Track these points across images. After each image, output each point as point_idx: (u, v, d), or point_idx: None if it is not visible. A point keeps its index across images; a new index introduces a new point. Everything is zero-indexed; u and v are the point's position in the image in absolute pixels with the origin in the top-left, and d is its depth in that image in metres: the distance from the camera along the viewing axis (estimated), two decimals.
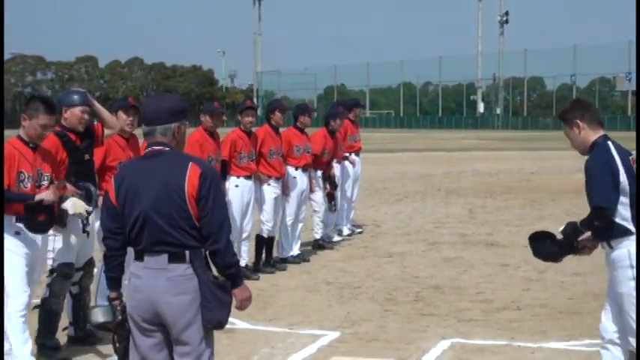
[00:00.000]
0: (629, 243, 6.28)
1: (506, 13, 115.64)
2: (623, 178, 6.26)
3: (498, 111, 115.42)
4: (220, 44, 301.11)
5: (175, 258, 5.15)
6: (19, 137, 7.51)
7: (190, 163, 5.24)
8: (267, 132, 12.49)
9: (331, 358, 8.04)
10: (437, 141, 64.67)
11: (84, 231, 8.13)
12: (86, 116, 8.29)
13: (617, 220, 6.28)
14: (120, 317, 5.39)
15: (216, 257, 5.22)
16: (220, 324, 5.24)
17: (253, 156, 12.06)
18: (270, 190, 12.43)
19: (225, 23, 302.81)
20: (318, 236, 14.39)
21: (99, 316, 5.60)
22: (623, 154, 6.41)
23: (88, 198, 7.98)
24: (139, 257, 5.25)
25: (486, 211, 20.12)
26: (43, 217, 7.41)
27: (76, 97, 8.36)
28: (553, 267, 12.51)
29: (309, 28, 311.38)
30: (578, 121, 6.52)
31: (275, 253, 13.00)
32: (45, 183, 7.53)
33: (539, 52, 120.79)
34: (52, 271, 8.13)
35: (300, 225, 13.41)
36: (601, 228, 6.35)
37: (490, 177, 29.75)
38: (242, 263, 11.93)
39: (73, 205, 7.65)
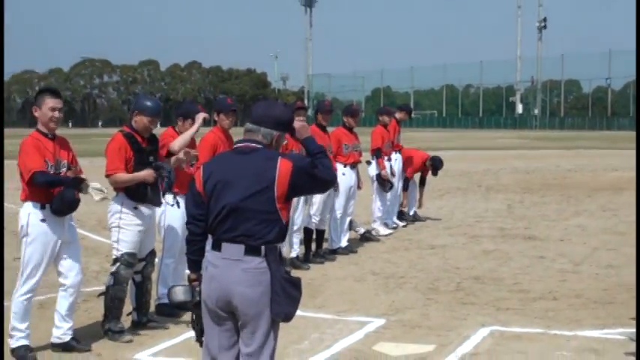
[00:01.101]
0: None
1: (544, 20, 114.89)
2: None
3: (536, 112, 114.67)
4: (273, 48, 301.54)
5: (251, 251, 5.09)
6: (38, 130, 7.61)
7: (280, 157, 5.20)
8: (315, 131, 12.49)
9: (377, 344, 8.02)
10: (477, 140, 64.36)
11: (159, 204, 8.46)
12: (152, 126, 8.33)
13: None
14: (198, 298, 5.37)
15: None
16: (288, 317, 5.17)
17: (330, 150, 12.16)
18: None
19: (277, 28, 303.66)
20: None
21: (179, 294, 5.60)
22: None
23: (161, 178, 8.16)
24: (216, 247, 5.19)
25: (524, 206, 19.99)
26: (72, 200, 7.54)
27: (148, 104, 8.33)
28: (588, 259, 12.48)
29: (358, 34, 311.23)
30: None
31: (325, 245, 13.02)
32: (64, 169, 7.65)
33: (575, 56, 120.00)
34: (116, 260, 8.22)
35: (349, 218, 13.41)
36: None
37: (528, 174, 29.55)
38: (293, 254, 11.98)
39: (93, 190, 7.69)
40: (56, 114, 7.58)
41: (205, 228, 5.29)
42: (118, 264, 8.20)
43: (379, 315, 9.14)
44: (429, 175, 17.62)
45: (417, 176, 17.31)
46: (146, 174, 8.11)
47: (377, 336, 8.31)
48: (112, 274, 8.22)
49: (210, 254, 5.25)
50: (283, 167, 5.12)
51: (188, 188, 5.59)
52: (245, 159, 5.21)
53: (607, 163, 33.14)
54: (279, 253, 5.24)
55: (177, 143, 8.80)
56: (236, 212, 5.12)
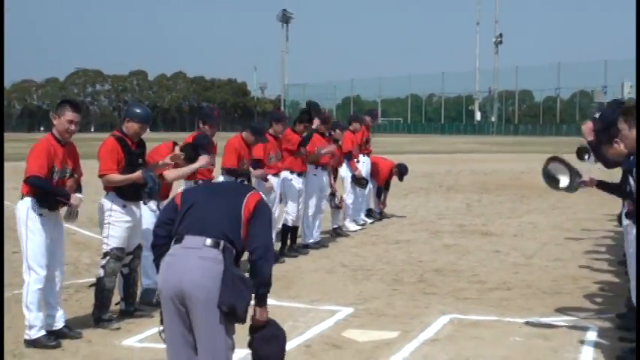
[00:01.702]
0: None
1: (500, 35, 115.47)
2: None
3: (493, 119, 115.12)
4: (253, 60, 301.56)
5: (211, 243, 4.97)
6: (52, 135, 7.61)
7: (252, 191, 5.26)
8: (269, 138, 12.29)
9: (346, 330, 8.01)
10: (439, 145, 64.49)
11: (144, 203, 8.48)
12: (142, 132, 8.35)
13: None
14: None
15: (256, 267, 5.07)
16: (234, 309, 4.87)
17: (279, 157, 12.07)
18: (294, 185, 12.43)
19: (257, 41, 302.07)
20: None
21: (148, 296, 5.59)
22: None
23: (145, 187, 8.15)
24: (178, 240, 5.07)
25: (481, 204, 20.05)
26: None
27: (139, 112, 8.33)
28: (538, 253, 12.53)
29: (330, 46, 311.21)
30: None
31: (299, 240, 13.00)
32: (67, 175, 7.68)
33: (528, 68, 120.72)
34: (105, 254, 8.18)
35: (321, 215, 13.38)
36: None
37: (485, 176, 29.65)
38: None
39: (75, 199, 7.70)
40: (72, 127, 7.60)
41: (171, 232, 5.18)
42: (107, 258, 8.16)
43: (348, 304, 9.12)
44: (396, 180, 17.64)
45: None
46: (138, 176, 8.12)
47: (346, 323, 8.30)
48: (102, 266, 8.18)
49: (172, 248, 5.11)
50: (253, 195, 5.20)
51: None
52: (222, 184, 5.61)
53: None
54: (236, 258, 5.10)
55: (173, 175, 8.86)
56: (201, 206, 5.10)
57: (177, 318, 5.01)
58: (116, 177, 8.06)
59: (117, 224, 8.15)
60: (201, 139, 9.59)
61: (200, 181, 9.53)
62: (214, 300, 4.87)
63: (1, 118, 9.51)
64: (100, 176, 8.10)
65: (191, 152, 9.16)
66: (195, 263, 4.93)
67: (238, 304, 4.88)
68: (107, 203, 8.18)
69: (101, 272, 8.17)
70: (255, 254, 5.07)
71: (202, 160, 9.17)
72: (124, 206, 8.18)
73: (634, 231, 7.10)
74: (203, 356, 4.99)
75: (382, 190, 17.03)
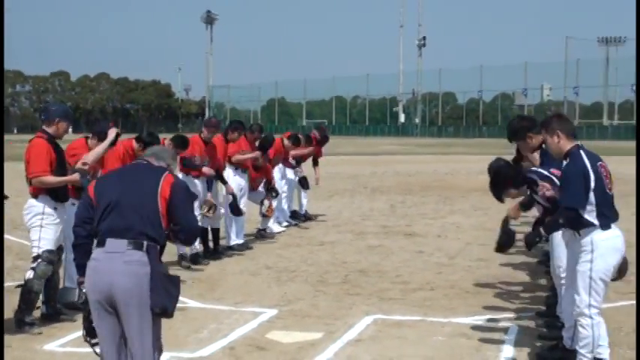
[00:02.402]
0: (593, 233, 6.33)
1: (424, 38, 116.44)
2: (592, 183, 6.31)
3: (417, 121, 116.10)
4: (177, 61, 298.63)
5: (134, 245, 5.01)
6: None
7: (166, 172, 5.24)
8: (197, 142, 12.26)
9: (270, 332, 7.99)
10: (364, 146, 64.87)
11: None
12: (67, 132, 8.54)
13: (585, 215, 6.34)
14: (84, 298, 5.30)
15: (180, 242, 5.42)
16: (166, 310, 5.04)
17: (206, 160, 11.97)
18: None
19: (181, 42, 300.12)
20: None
21: (68, 296, 5.54)
22: (593, 160, 6.44)
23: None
24: (100, 243, 5.09)
25: (405, 206, 20.20)
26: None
27: (67, 110, 8.59)
28: (461, 253, 12.68)
29: (255, 48, 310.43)
30: (558, 131, 6.52)
31: (222, 242, 12.91)
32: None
33: (451, 71, 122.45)
34: (37, 257, 8.07)
35: (243, 217, 13.28)
36: (573, 221, 6.37)
37: (409, 177, 29.89)
38: (193, 251, 11.85)
39: None
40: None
41: (91, 231, 5.20)
42: (39, 260, 8.05)
43: (272, 306, 9.11)
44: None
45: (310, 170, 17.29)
46: (75, 178, 8.20)
47: (270, 325, 8.28)
48: (33, 269, 8.06)
49: (94, 252, 5.14)
50: (168, 177, 5.20)
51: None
52: (135, 169, 5.33)
53: (479, 167, 33.65)
54: (159, 254, 5.17)
55: (91, 157, 8.71)
56: (119, 207, 5.07)
57: (106, 319, 5.11)
58: (50, 179, 8.04)
59: (49, 227, 8.10)
60: (101, 123, 9.94)
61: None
62: (145, 303, 4.99)
63: (1, 118, 9.44)
64: (33, 178, 8.03)
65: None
66: (121, 268, 4.98)
67: (169, 305, 5.05)
68: (39, 206, 8.10)
69: (31, 274, 8.05)
70: (180, 235, 5.29)
71: (112, 132, 8.94)
72: (55, 208, 8.15)
73: (558, 234, 7.23)
74: (133, 355, 5.10)
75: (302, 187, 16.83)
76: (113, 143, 9.00)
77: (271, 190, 14.43)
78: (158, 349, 5.18)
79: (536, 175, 6.96)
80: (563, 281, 7.18)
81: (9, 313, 8.25)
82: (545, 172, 6.93)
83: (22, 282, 8.13)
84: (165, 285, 5.05)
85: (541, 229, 6.59)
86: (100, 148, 8.85)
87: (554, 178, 6.80)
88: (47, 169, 8.01)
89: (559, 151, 6.56)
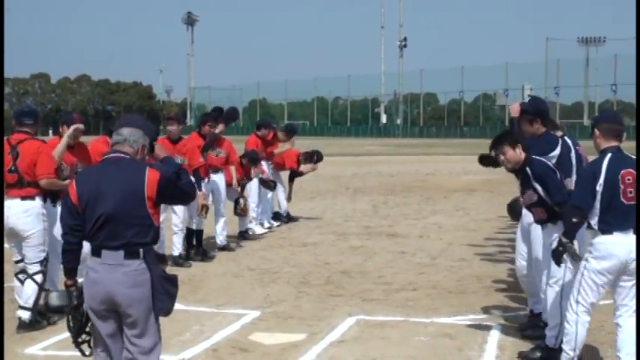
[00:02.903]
0: (593, 235, 6.44)
1: (405, 39, 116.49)
2: (600, 188, 6.35)
3: (399, 122, 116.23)
4: (158, 63, 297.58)
5: (130, 254, 5.04)
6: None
7: (147, 167, 5.16)
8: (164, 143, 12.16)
9: (253, 334, 7.99)
10: (346, 147, 64.83)
11: None
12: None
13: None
14: (75, 302, 5.29)
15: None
16: (168, 312, 5.21)
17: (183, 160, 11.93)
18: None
19: (162, 44, 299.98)
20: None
21: (56, 300, 5.54)
22: (617, 166, 6.38)
23: None
24: (96, 253, 5.10)
25: (388, 206, 20.23)
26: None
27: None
28: (444, 254, 12.72)
29: (236, 49, 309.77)
30: (596, 130, 6.56)
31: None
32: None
33: (432, 71, 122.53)
34: (44, 260, 8.22)
35: (223, 219, 13.22)
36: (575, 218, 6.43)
37: (391, 178, 29.94)
38: (175, 253, 11.84)
39: None
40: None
41: (82, 237, 5.21)
42: (46, 262, 8.21)
43: (255, 307, 9.10)
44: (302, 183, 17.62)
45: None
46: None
47: (252, 327, 8.28)
48: (42, 272, 8.18)
49: (90, 261, 5.16)
50: (151, 176, 5.10)
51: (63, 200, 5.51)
52: (115, 168, 5.17)
53: (460, 168, 33.82)
54: (156, 253, 5.24)
55: (56, 156, 8.64)
56: (112, 220, 5.06)
57: (106, 321, 5.19)
58: (60, 181, 8.21)
59: (49, 229, 8.23)
60: (66, 114, 10.06)
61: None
62: (148, 308, 5.10)
63: (1, 118, 9.44)
64: (45, 179, 8.09)
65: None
66: (122, 279, 5.05)
67: (171, 307, 5.23)
68: (38, 207, 8.16)
69: (41, 278, 8.17)
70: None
71: (73, 126, 8.85)
72: (53, 207, 8.32)
73: (537, 231, 7.27)
74: (134, 355, 5.18)
75: (279, 187, 16.56)
76: (76, 137, 8.89)
77: (268, 182, 15.13)
78: (159, 348, 5.29)
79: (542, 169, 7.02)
80: (543, 283, 7.20)
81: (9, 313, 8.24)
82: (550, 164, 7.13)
83: (44, 287, 8.16)
84: (166, 287, 5.17)
85: (562, 238, 6.54)
86: (60, 147, 8.72)
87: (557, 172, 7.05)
88: (56, 171, 8.22)
89: (596, 149, 6.64)
